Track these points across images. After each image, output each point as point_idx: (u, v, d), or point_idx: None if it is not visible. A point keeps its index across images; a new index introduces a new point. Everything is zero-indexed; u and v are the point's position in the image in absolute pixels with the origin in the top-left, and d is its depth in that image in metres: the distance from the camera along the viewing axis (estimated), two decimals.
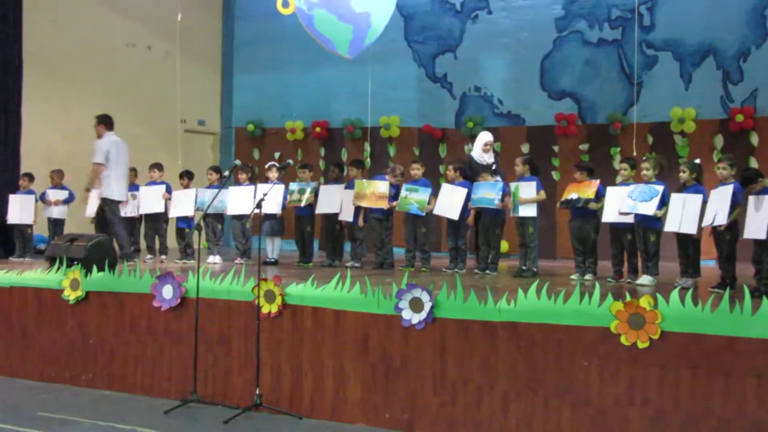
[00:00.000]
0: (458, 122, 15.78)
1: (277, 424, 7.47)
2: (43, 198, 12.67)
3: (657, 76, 14.37)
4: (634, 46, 14.12)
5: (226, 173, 10.52)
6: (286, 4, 12.65)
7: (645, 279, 9.19)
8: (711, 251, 9.04)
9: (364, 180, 11.55)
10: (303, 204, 11.79)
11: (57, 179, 12.88)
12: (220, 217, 12.33)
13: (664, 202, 8.96)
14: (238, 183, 12.47)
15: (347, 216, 11.47)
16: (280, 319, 7.92)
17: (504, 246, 11.61)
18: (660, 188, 9.06)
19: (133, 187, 12.64)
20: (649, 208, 9.00)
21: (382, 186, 11.28)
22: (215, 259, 12.11)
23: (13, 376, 9.41)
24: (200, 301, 8.08)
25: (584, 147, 14.68)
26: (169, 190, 12.44)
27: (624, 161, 10.02)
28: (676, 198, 8.86)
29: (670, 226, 8.85)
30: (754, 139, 13.46)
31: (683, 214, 8.69)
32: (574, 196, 9.86)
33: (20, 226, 12.33)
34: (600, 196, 9.69)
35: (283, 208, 12.02)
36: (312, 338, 7.80)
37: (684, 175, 8.98)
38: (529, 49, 15.32)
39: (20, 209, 12.21)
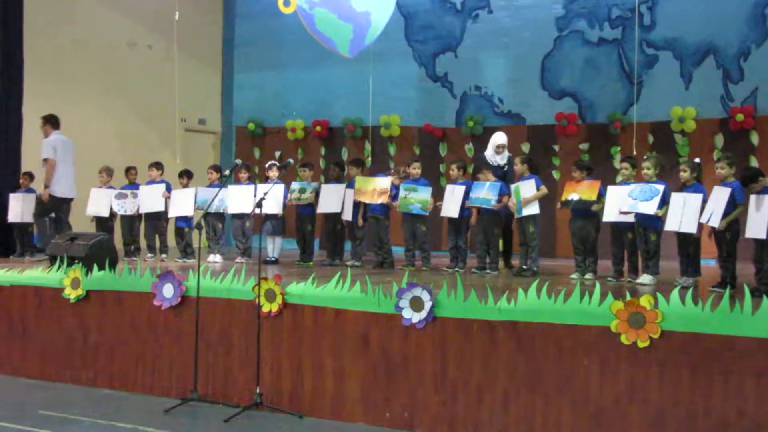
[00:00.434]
0: (459, 121, 15.78)
1: (277, 423, 7.48)
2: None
3: (657, 75, 14.37)
4: (635, 45, 14.13)
5: (227, 172, 10.53)
6: (287, 3, 12.66)
7: (645, 278, 9.19)
8: (711, 250, 9.04)
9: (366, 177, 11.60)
10: (304, 200, 11.79)
11: None
12: (220, 216, 12.33)
13: (664, 202, 8.97)
14: (238, 182, 12.47)
15: (348, 215, 11.47)
16: (281, 318, 7.93)
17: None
18: (661, 187, 9.07)
19: (133, 185, 12.66)
20: (650, 208, 9.00)
21: (383, 182, 11.29)
22: (216, 258, 12.11)
23: (14, 375, 9.43)
24: (201, 300, 8.09)
25: (584, 146, 14.68)
26: (169, 189, 12.43)
27: (624, 160, 10.01)
28: (676, 197, 8.86)
29: (670, 225, 8.85)
30: (755, 139, 13.46)
31: (683, 214, 8.70)
32: (574, 196, 9.85)
33: (21, 224, 12.33)
34: (600, 196, 9.69)
35: (284, 207, 12.02)
36: (312, 337, 7.81)
37: (684, 175, 8.98)
38: (529, 48, 15.31)
39: (21, 208, 12.20)
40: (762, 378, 6.07)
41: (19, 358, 9.49)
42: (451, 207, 10.83)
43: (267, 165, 12.65)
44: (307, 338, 7.84)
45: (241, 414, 7.56)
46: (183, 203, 12.19)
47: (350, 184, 11.56)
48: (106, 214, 12.36)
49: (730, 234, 8.44)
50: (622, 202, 9.28)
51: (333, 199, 11.62)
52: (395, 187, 11.27)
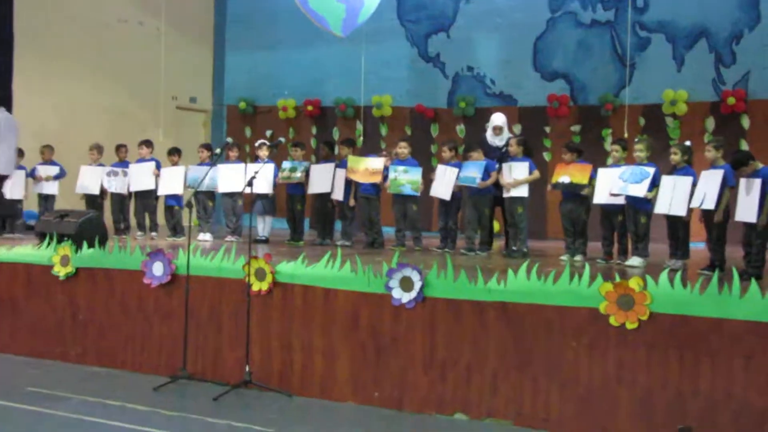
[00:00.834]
0: (450, 102, 15.75)
1: (266, 402, 7.50)
2: (33, 174, 12.62)
3: (649, 57, 14.36)
4: (627, 27, 14.10)
5: (218, 151, 10.50)
6: None
7: (634, 260, 9.22)
8: (701, 233, 9.07)
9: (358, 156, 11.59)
10: (294, 178, 11.76)
11: (48, 155, 12.82)
12: (211, 194, 12.30)
13: (655, 184, 8.98)
14: (228, 160, 12.44)
15: (339, 195, 11.46)
16: (271, 297, 7.93)
17: (496, 226, 11.59)
18: (651, 170, 9.08)
19: (123, 163, 12.63)
20: (640, 190, 9.02)
21: (375, 162, 11.27)
22: (206, 237, 12.10)
23: (3, 352, 9.40)
24: (191, 279, 8.09)
25: (576, 128, 14.67)
26: (158, 167, 12.38)
27: (615, 143, 10.03)
28: (666, 180, 8.89)
29: (660, 208, 8.88)
30: (746, 122, 13.48)
31: (673, 196, 8.73)
32: (565, 179, 9.86)
33: (10, 201, 12.28)
34: (591, 179, 9.70)
35: (274, 186, 12.00)
36: (302, 316, 7.82)
37: (675, 158, 8.99)
38: (522, 29, 15.27)
39: (10, 185, 12.15)
40: (749, 360, 6.11)
41: (8, 336, 9.47)
42: (441, 188, 10.81)
43: (257, 144, 12.60)
44: (296, 317, 7.85)
45: (230, 392, 7.58)
46: (173, 181, 12.16)
47: (342, 164, 11.54)
48: (96, 191, 12.35)
49: (719, 217, 8.47)
50: (613, 184, 9.29)
51: (323, 178, 11.60)
52: (386, 169, 11.25)
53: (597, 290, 6.60)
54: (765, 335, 6.07)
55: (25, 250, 9.58)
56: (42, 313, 9.26)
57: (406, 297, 7.26)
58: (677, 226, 8.96)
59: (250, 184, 8.10)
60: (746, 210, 7.98)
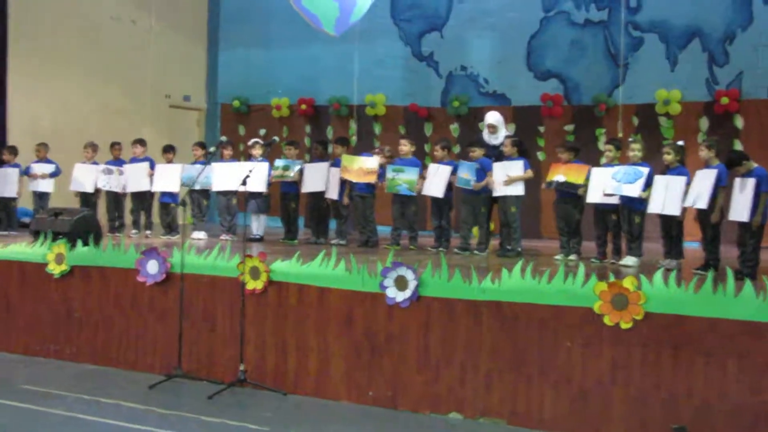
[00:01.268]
0: (444, 101, 15.75)
1: (261, 400, 7.51)
2: (27, 172, 12.58)
3: (643, 57, 14.36)
4: (621, 27, 14.12)
5: (212, 149, 10.50)
6: None
7: (629, 260, 9.24)
8: (695, 233, 9.10)
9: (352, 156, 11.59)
10: (287, 177, 11.75)
11: (42, 153, 12.79)
12: (205, 192, 12.30)
13: (648, 184, 9.00)
14: (222, 159, 12.42)
15: (333, 194, 11.46)
16: (265, 296, 7.94)
17: (492, 225, 11.59)
18: (645, 170, 9.09)
19: (118, 161, 12.60)
20: (634, 190, 9.03)
21: (369, 162, 11.27)
22: (200, 235, 12.09)
23: None
24: (185, 277, 8.10)
25: (569, 128, 14.67)
26: (152, 166, 12.35)
27: (609, 142, 10.07)
28: (659, 180, 8.92)
29: (654, 207, 8.91)
30: (739, 122, 13.50)
31: (666, 196, 8.76)
32: (560, 177, 9.87)
33: (4, 199, 12.27)
34: (588, 180, 9.71)
35: (268, 185, 11.99)
36: (296, 315, 7.83)
37: (669, 157, 9.02)
38: (515, 28, 15.26)
39: (4, 183, 12.14)
40: (743, 360, 6.14)
41: (3, 334, 9.46)
42: (433, 186, 10.81)
43: (250, 143, 12.58)
44: (291, 316, 7.86)
45: (225, 391, 7.59)
46: (169, 178, 12.11)
47: (336, 163, 11.54)
48: (90, 189, 12.31)
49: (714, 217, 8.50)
50: (606, 184, 9.31)
51: (317, 177, 11.59)
52: (381, 168, 11.24)
53: (591, 290, 6.62)
54: (759, 335, 6.10)
55: (19, 248, 9.57)
56: (36, 311, 9.26)
57: (400, 296, 7.28)
58: (671, 226, 8.98)
59: (244, 183, 8.10)
60: (740, 209, 8.02)
